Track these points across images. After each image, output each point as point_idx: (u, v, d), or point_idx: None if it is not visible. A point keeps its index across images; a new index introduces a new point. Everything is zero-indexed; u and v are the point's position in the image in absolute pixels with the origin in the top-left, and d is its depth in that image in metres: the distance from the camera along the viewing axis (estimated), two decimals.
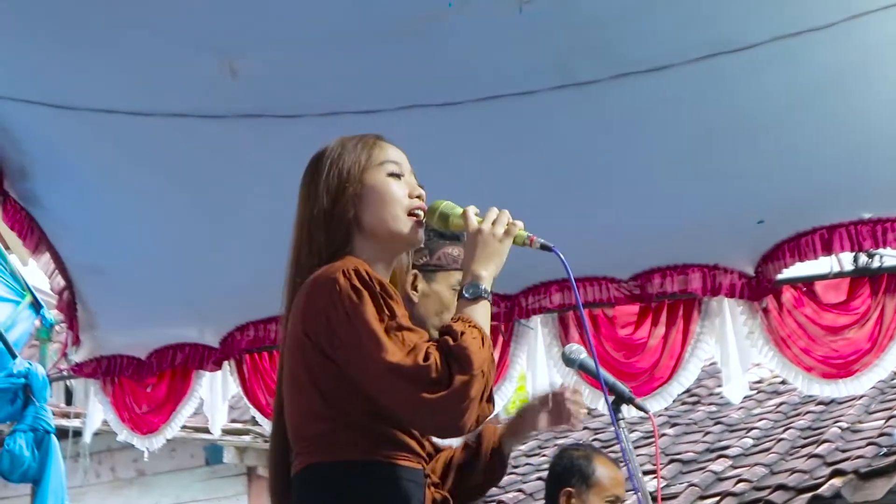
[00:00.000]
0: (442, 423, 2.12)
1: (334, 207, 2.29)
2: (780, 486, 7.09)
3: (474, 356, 2.09)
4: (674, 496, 7.47)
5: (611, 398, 3.01)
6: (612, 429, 8.97)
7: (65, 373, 5.49)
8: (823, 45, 3.60)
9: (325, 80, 3.76)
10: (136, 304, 5.02)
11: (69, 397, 8.51)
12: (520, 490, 8.60)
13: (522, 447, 9.83)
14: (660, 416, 8.77)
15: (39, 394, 4.80)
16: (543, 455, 9.26)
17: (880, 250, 4.51)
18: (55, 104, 3.92)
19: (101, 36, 3.59)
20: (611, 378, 3.32)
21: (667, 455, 8.38)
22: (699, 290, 4.71)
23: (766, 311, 4.73)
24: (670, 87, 3.78)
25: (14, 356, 4.85)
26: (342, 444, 2.18)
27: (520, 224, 2.28)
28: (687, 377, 4.88)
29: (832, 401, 8.51)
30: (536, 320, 4.97)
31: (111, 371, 5.33)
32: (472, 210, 2.30)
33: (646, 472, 3.32)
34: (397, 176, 2.33)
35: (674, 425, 9.31)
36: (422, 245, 2.41)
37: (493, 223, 2.26)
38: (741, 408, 8.99)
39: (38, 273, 5.11)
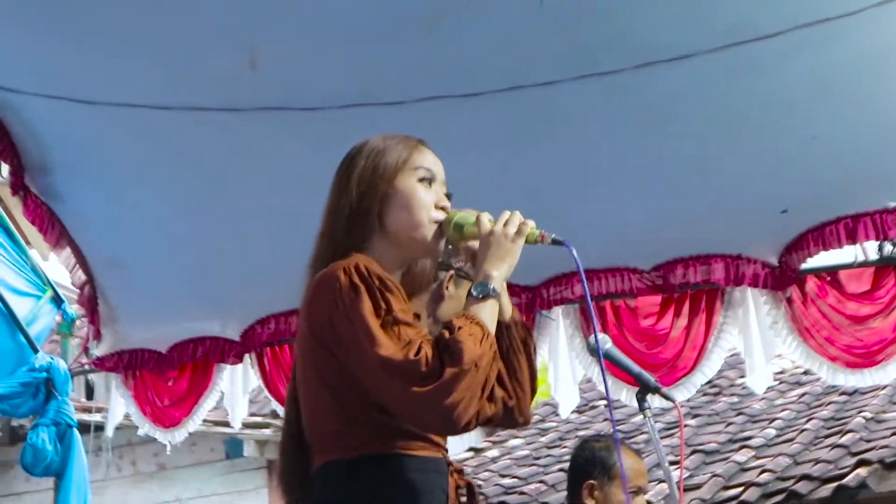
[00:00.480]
0: (433, 417, 2.10)
1: (361, 202, 2.29)
2: (805, 476, 7.06)
3: (467, 350, 2.08)
4: (697, 486, 7.45)
5: (636, 388, 3.01)
6: (633, 420, 8.98)
7: (86, 367, 5.50)
8: (850, 32, 3.56)
9: (345, 73, 3.74)
10: (157, 297, 5.02)
11: (90, 392, 8.54)
12: (542, 481, 8.59)
13: (543, 439, 9.82)
14: (681, 406, 8.73)
15: (61, 388, 4.82)
16: (565, 447, 9.24)
17: None
18: (76, 99, 3.91)
19: (120, 30, 3.58)
20: (636, 367, 3.31)
21: (689, 446, 8.37)
22: (722, 280, 4.69)
23: (789, 300, 4.71)
24: (694, 76, 3.74)
25: (36, 350, 4.87)
26: (357, 440, 2.18)
27: (531, 223, 2.28)
28: (711, 367, 4.87)
29: (855, 391, 8.49)
30: (558, 311, 4.97)
31: (132, 365, 5.33)
32: (485, 216, 2.30)
33: (669, 463, 3.31)
34: (428, 182, 2.33)
35: (695, 416, 9.29)
36: (440, 258, 2.39)
37: (505, 224, 2.27)
38: (763, 398, 8.96)
39: (59, 268, 5.12)
